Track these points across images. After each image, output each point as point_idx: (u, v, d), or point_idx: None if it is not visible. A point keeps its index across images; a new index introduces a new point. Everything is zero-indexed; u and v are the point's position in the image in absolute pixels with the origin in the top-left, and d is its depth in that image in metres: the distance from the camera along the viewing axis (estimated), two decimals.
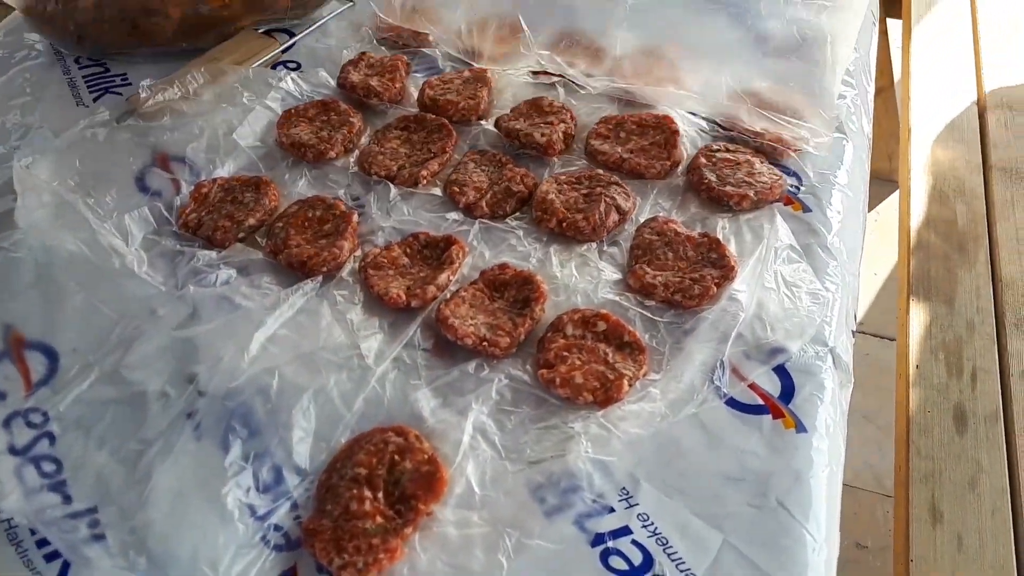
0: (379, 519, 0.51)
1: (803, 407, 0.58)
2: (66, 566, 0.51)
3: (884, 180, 1.98)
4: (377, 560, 0.49)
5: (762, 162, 0.75)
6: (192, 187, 0.73)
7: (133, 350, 0.61)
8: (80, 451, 0.56)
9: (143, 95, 0.79)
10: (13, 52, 0.92)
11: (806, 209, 0.72)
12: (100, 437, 0.57)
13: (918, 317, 0.97)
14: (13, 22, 0.96)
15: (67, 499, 0.54)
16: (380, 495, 0.52)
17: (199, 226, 0.70)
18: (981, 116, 1.23)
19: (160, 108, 0.79)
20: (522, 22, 0.90)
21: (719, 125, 0.80)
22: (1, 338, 0.63)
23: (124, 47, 0.88)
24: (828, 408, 0.59)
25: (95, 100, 0.85)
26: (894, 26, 1.73)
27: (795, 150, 0.76)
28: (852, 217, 0.74)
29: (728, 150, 0.75)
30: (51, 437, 0.57)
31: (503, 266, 0.66)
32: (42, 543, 0.52)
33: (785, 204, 0.73)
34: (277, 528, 0.52)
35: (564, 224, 0.69)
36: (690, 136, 0.78)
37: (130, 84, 0.87)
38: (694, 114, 0.81)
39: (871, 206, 2.06)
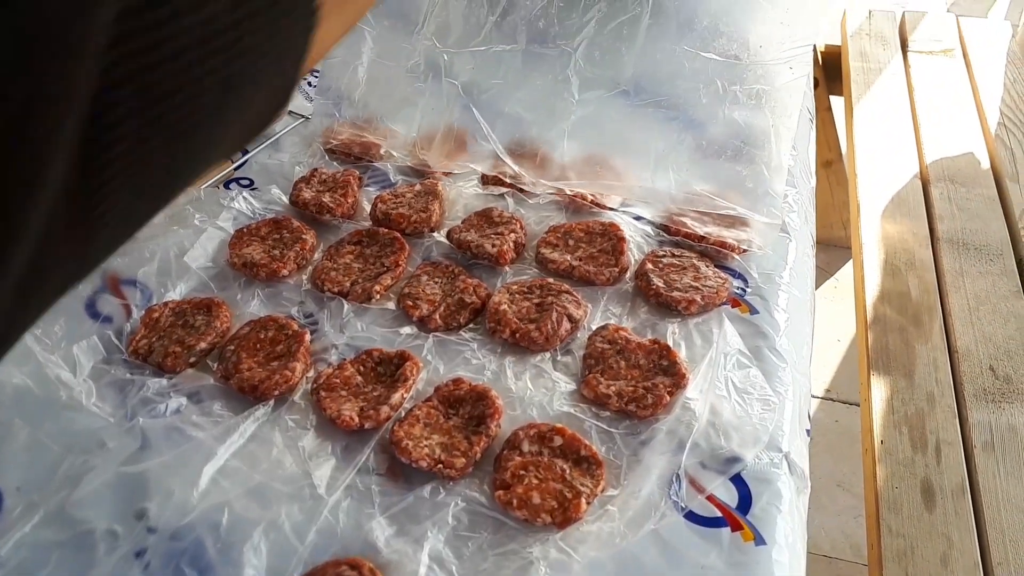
0: None
1: (761, 517, 0.59)
2: None
3: (840, 247, 2.04)
4: None
5: (708, 266, 0.77)
6: (143, 312, 0.73)
7: (80, 487, 0.60)
8: None
9: None
10: None
11: (753, 311, 0.74)
12: None
13: (880, 391, 0.99)
14: None
15: None
16: None
17: (150, 352, 0.69)
18: (925, 189, 1.29)
19: None
20: (472, 133, 0.93)
21: (664, 230, 0.82)
22: None
23: None
24: (786, 517, 0.59)
25: None
26: (837, 102, 1.81)
27: (739, 252, 0.78)
28: (799, 316, 0.76)
29: (674, 255, 0.77)
30: None
31: (457, 381, 0.66)
32: None
33: (732, 306, 0.74)
34: None
35: (517, 335, 0.70)
36: (636, 242, 0.80)
37: None
38: (639, 218, 0.83)
39: (831, 271, 2.11)
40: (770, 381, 0.67)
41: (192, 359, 0.69)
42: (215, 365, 0.69)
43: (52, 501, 0.59)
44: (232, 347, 0.69)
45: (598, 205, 0.84)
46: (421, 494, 0.59)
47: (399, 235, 0.80)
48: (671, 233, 0.81)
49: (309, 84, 1.06)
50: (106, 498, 0.59)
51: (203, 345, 0.69)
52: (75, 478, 0.60)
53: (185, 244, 0.79)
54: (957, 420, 0.95)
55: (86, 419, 0.64)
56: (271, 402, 0.65)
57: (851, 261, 2.00)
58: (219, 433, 0.62)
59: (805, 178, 0.95)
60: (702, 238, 0.79)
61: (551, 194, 0.85)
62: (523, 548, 0.56)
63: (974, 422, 0.94)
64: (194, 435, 0.62)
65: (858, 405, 1.83)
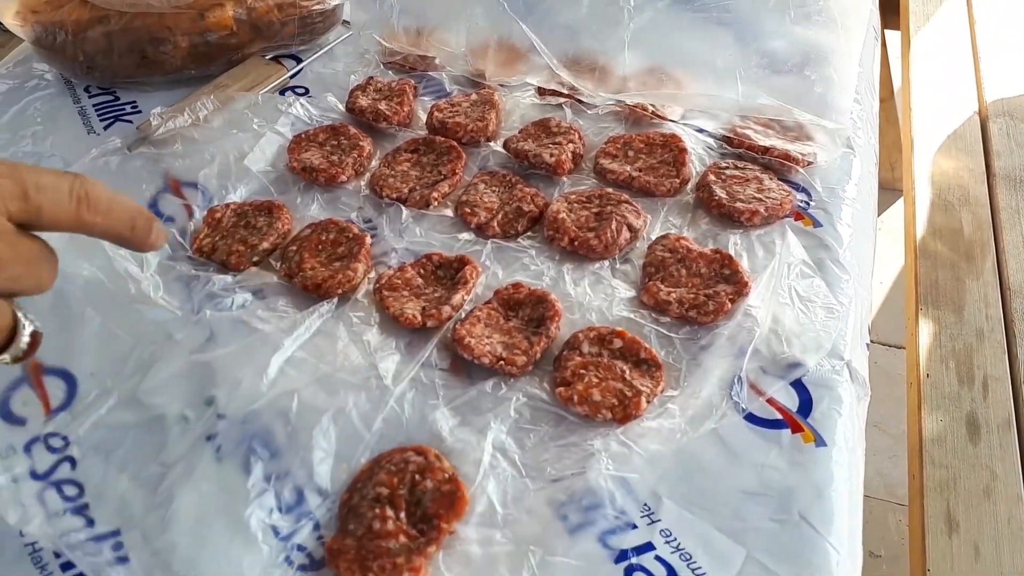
0: (402, 538, 0.51)
1: (822, 421, 0.59)
2: None
3: (887, 189, 2.00)
4: None
5: (771, 178, 0.75)
6: (205, 212, 0.74)
7: (151, 375, 0.61)
8: (101, 475, 0.56)
9: (154, 123, 0.80)
10: (23, 83, 0.93)
11: (816, 224, 0.73)
12: (120, 461, 0.57)
13: (927, 326, 0.98)
14: (22, 53, 0.97)
15: (90, 522, 0.54)
16: (402, 515, 0.52)
17: (213, 251, 0.70)
18: (983, 125, 1.25)
19: (171, 135, 0.80)
20: (532, 41, 0.91)
21: (727, 142, 0.81)
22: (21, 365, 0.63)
23: (134, 76, 0.89)
24: (846, 421, 0.59)
25: (106, 128, 0.86)
26: (893, 38, 1.75)
27: (804, 165, 0.77)
28: (862, 231, 0.75)
29: (736, 167, 0.76)
30: (72, 461, 0.57)
31: (517, 285, 0.66)
32: (66, 566, 0.52)
33: (796, 219, 0.73)
34: (300, 548, 0.52)
35: (576, 243, 0.69)
36: (698, 154, 0.79)
37: (140, 112, 0.87)
38: (701, 131, 0.82)
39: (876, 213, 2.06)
40: (833, 291, 0.66)
41: (255, 258, 0.70)
42: (277, 264, 0.70)
43: (124, 387, 0.61)
44: (295, 247, 0.70)
45: (659, 116, 0.82)
46: (483, 388, 0.60)
47: (456, 144, 0.79)
48: (734, 145, 0.79)
49: None
50: (176, 385, 0.61)
51: (265, 245, 0.70)
52: (145, 366, 0.62)
53: (244, 148, 0.79)
54: (1006, 356, 0.94)
55: (154, 311, 0.66)
56: (334, 300, 0.66)
57: (898, 202, 1.96)
58: (285, 327, 0.63)
59: (870, 96, 0.92)
60: (766, 150, 0.77)
61: (610, 105, 0.84)
62: (584, 440, 0.56)
63: (1023, 359, 0.92)
64: (260, 327, 0.63)
65: (899, 348, 1.81)
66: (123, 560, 0.52)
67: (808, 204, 0.75)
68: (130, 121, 0.86)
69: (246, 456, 0.55)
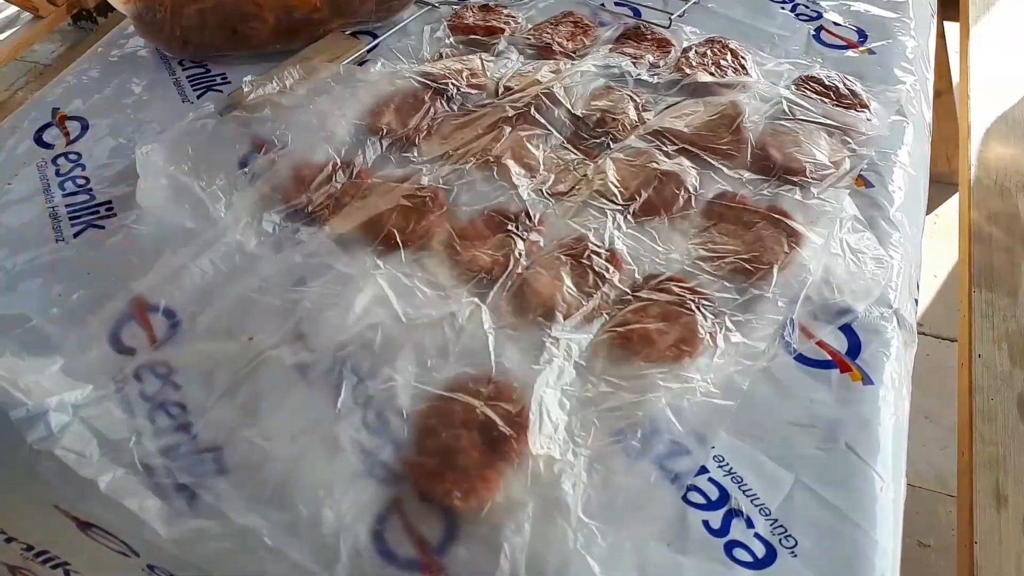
0: (475, 454, 0.56)
1: (869, 362, 0.62)
2: (194, 496, 0.57)
3: (943, 183, 1.98)
4: (475, 488, 0.54)
5: (826, 140, 0.78)
6: (292, 171, 0.80)
7: (247, 311, 0.68)
8: (202, 397, 0.62)
9: (245, 90, 0.87)
10: (123, 56, 1.00)
11: (868, 185, 0.76)
12: (220, 385, 0.63)
13: (980, 307, 0.99)
14: (123, 29, 1.05)
15: (193, 438, 0.60)
16: (475, 434, 0.57)
17: (303, 205, 0.76)
18: None
19: (260, 102, 0.87)
20: (592, 16, 0.96)
21: (784, 110, 0.83)
22: (127, 303, 0.69)
23: (224, 50, 0.96)
24: (894, 363, 0.62)
25: (198, 97, 0.93)
26: (951, 30, 1.74)
27: (860, 131, 0.79)
28: (913, 194, 0.77)
29: (793, 129, 0.79)
30: (175, 385, 0.64)
31: (579, 239, 0.71)
32: (172, 475, 0.58)
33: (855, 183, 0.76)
34: (382, 464, 0.57)
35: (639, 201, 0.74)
36: (754, 119, 0.82)
37: (229, 83, 0.94)
38: (758, 96, 0.85)
39: (929, 208, 2.04)
40: (883, 245, 0.69)
41: (339, 210, 0.75)
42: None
43: (222, 322, 0.67)
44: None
45: (718, 84, 0.86)
46: (548, 328, 0.64)
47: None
48: (790, 113, 0.82)
49: None
50: (270, 322, 0.67)
51: (347, 199, 0.76)
52: (241, 305, 0.68)
53: (327, 112, 0.85)
54: None
55: (248, 257, 0.72)
56: (412, 248, 0.71)
57: (953, 196, 1.94)
58: (367, 269, 0.69)
59: (924, 68, 0.94)
60: (821, 116, 0.80)
61: (671, 74, 0.88)
62: (644, 375, 0.61)
63: None
64: (345, 271, 0.69)
65: (952, 340, 1.80)
66: (223, 472, 0.58)
67: (863, 166, 0.77)
68: (220, 91, 0.93)
69: (337, 379, 0.61)
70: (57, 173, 0.83)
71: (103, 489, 0.57)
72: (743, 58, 0.89)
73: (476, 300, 0.67)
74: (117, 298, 0.69)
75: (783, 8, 1.00)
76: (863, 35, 0.94)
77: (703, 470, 0.56)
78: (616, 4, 1.02)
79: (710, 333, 0.62)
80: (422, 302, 0.66)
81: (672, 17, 0.96)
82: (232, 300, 0.69)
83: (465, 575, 0.52)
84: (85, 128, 0.89)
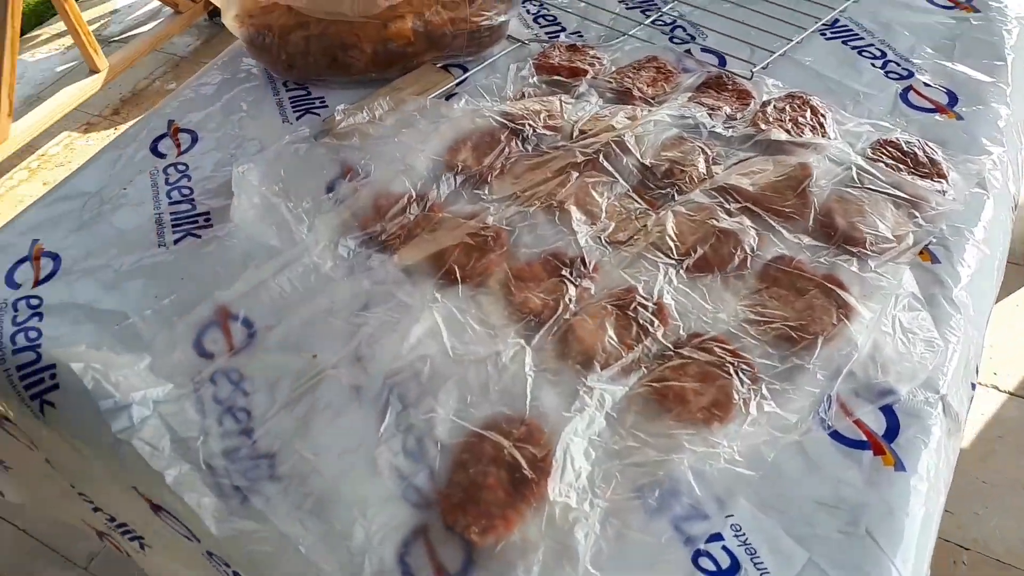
0: (500, 493, 0.59)
1: (906, 447, 0.61)
2: (246, 499, 0.63)
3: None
4: (494, 526, 0.57)
5: (895, 210, 0.77)
6: (371, 200, 0.85)
7: (315, 330, 0.73)
8: (266, 406, 0.68)
9: (337, 118, 0.93)
10: (235, 75, 1.09)
11: (935, 260, 0.75)
12: (282, 396, 0.69)
13: None
14: (236, 50, 1.13)
15: (253, 443, 0.66)
16: (503, 473, 0.61)
17: (377, 233, 0.81)
18: None
19: (350, 130, 0.93)
20: (675, 63, 0.97)
21: (854, 177, 0.83)
22: (213, 310, 0.76)
23: (324, 75, 1.02)
24: (932, 452, 0.61)
25: (297, 119, 1.00)
26: None
27: (931, 204, 0.78)
28: (984, 273, 0.75)
29: (862, 197, 0.78)
30: (244, 392, 0.70)
31: (629, 289, 0.73)
32: (229, 476, 0.64)
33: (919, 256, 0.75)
34: (416, 489, 0.62)
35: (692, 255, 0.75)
36: (823, 181, 0.82)
37: (327, 106, 1.01)
38: (830, 159, 0.85)
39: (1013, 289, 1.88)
40: (939, 327, 0.68)
41: (410, 240, 0.80)
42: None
43: (293, 337, 0.73)
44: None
45: (792, 143, 0.86)
46: (587, 375, 0.67)
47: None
48: (859, 177, 0.82)
49: (528, 12, 1.13)
50: (334, 342, 0.72)
51: (418, 231, 0.81)
52: (311, 323, 0.74)
53: (409, 146, 0.90)
54: None
55: (323, 278, 0.78)
56: (471, 284, 0.75)
57: None
58: (427, 301, 0.73)
59: (1016, 137, 0.90)
60: (894, 184, 0.79)
61: (746, 128, 0.88)
62: (673, 434, 0.62)
63: None
64: (406, 300, 0.73)
65: None
66: (274, 479, 0.64)
67: (930, 241, 0.76)
68: (318, 114, 1.00)
69: (384, 405, 0.66)
70: (166, 182, 0.92)
71: (169, 483, 0.64)
72: (823, 116, 0.89)
73: (522, 342, 0.70)
74: (204, 305, 0.76)
75: (874, 64, 0.98)
76: (954, 99, 0.92)
77: (718, 537, 0.58)
78: (703, 51, 1.03)
79: (744, 399, 0.63)
80: (471, 338, 0.70)
81: (754, 69, 0.96)
82: (303, 318, 0.75)
83: None
84: (195, 141, 0.97)
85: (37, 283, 0.81)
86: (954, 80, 0.94)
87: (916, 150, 0.83)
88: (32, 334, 0.76)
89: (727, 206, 0.79)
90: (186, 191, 0.90)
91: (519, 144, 0.89)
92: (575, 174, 0.84)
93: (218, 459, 0.66)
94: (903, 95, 0.93)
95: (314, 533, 0.60)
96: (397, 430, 0.64)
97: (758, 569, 0.56)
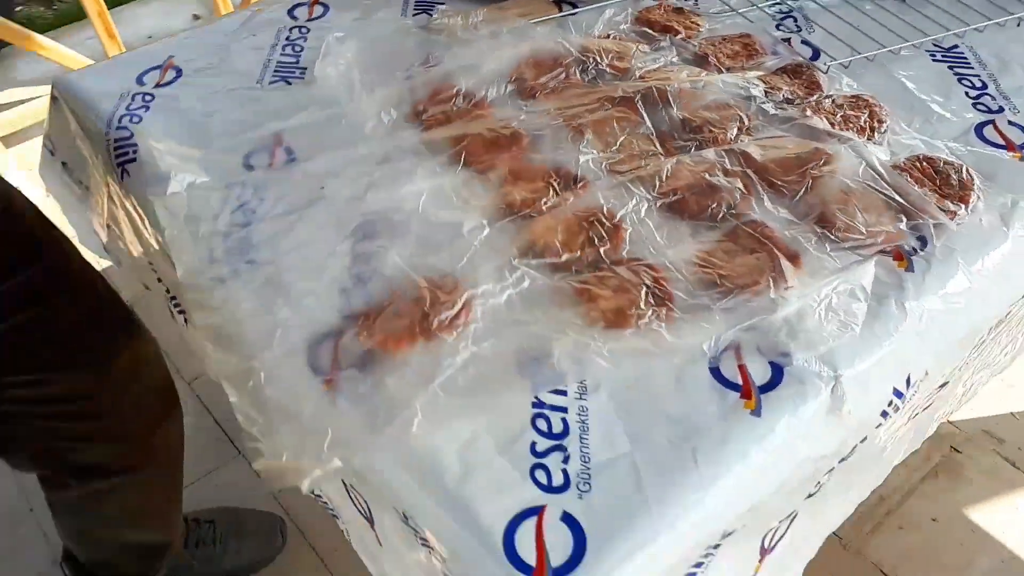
0: (406, 322, 0.68)
1: (774, 402, 0.64)
2: (217, 263, 0.76)
3: None
4: (386, 341, 0.67)
5: (894, 215, 0.77)
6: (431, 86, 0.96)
7: (334, 169, 0.85)
8: (267, 211, 0.81)
9: (435, 17, 1.04)
10: None
11: (909, 268, 0.74)
12: (283, 208, 0.81)
13: None
14: None
15: (246, 233, 0.79)
16: (416, 310, 0.69)
17: (421, 111, 0.92)
18: None
19: (443, 28, 1.04)
20: (765, 45, 1.00)
21: (872, 170, 0.82)
22: (270, 135, 0.90)
23: None
24: (798, 418, 0.63)
25: (414, 15, 1.12)
26: None
27: (934, 220, 0.77)
28: (960, 301, 0.73)
29: (865, 195, 0.78)
30: (261, 199, 0.83)
31: (596, 208, 0.79)
32: (221, 251, 0.78)
33: (894, 258, 0.75)
34: (349, 302, 0.72)
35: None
36: (845, 175, 0.82)
37: (444, 5, 1.12)
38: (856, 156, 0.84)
39: None
40: (872, 320, 0.69)
41: (444, 124, 0.90)
42: None
43: (315, 169, 0.86)
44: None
45: (827, 132, 0.86)
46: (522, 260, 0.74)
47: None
48: (869, 174, 0.81)
49: None
50: (346, 182, 0.84)
51: (455, 119, 0.90)
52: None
53: (490, 55, 1.00)
54: None
55: (376, 142, 0.89)
56: (473, 168, 0.84)
57: None
58: (428, 170, 0.83)
59: None
60: (911, 193, 0.78)
61: (793, 110, 0.90)
62: (571, 322, 0.68)
63: None
64: (411, 167, 0.84)
65: None
66: (248, 261, 0.76)
67: (915, 251, 0.75)
68: (431, 14, 1.11)
69: (351, 233, 0.77)
70: (287, 38, 1.07)
71: (166, 238, 0.79)
72: (879, 121, 0.88)
73: (484, 221, 0.78)
74: (263, 128, 0.91)
75: (968, 93, 0.95)
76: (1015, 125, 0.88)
77: (564, 409, 0.63)
78: (802, 42, 1.03)
79: (639, 314, 0.68)
80: (445, 207, 0.79)
81: (832, 63, 0.96)
82: (330, 159, 0.87)
83: (350, 394, 0.65)
84: (325, 12, 1.12)
85: (157, 85, 0.99)
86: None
87: (952, 172, 0.81)
88: (135, 119, 0.94)
89: (728, 167, 0.82)
90: (298, 48, 1.05)
91: (578, 73, 0.96)
92: (608, 106, 0.90)
93: (216, 237, 0.79)
94: (979, 128, 0.90)
95: (253, 304, 0.72)
96: (352, 253, 0.75)
97: (581, 443, 0.61)
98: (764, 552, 0.75)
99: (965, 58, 1.00)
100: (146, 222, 0.88)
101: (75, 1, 2.29)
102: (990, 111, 0.92)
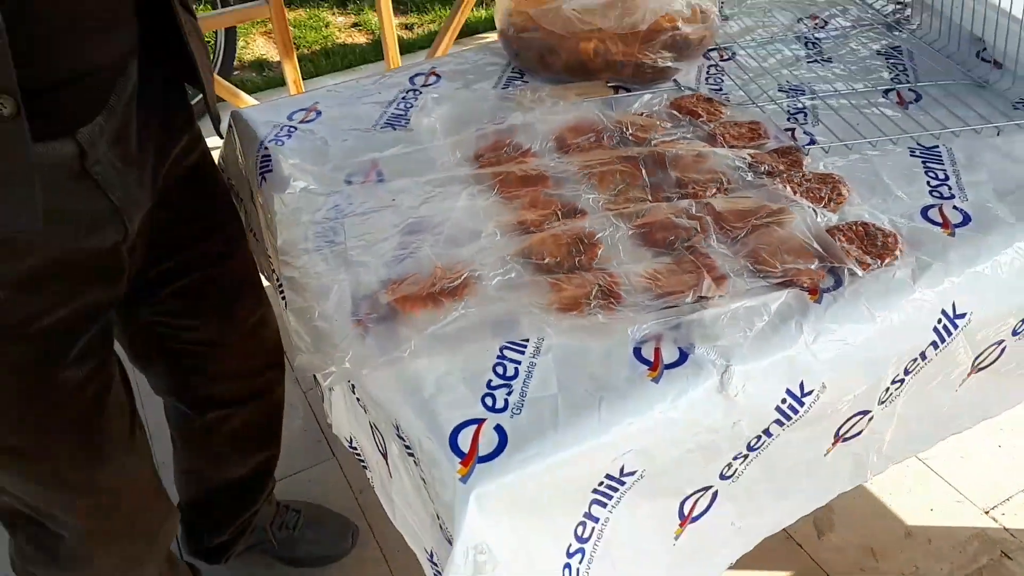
0: (423, 292, 0.96)
1: (672, 376, 0.85)
2: (307, 238, 1.07)
3: None
4: (404, 302, 0.94)
5: (818, 258, 0.96)
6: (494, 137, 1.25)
7: (406, 187, 1.15)
8: (351, 209, 1.12)
9: (511, 89, 1.34)
10: (493, 51, 1.54)
11: (818, 301, 0.93)
12: (362, 208, 1.12)
13: None
14: (490, 40, 1.60)
15: (333, 225, 1.10)
16: (435, 286, 0.97)
17: (480, 155, 1.21)
18: None
19: (515, 98, 1.34)
20: (769, 130, 1.22)
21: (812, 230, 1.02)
22: (369, 161, 1.22)
23: (534, 68, 1.44)
24: (690, 389, 0.84)
25: (502, 88, 1.43)
26: None
27: (848, 267, 0.96)
28: (873, 341, 0.92)
29: (791, 242, 0.99)
30: (349, 203, 1.14)
31: (581, 230, 1.03)
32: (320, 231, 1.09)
33: (809, 292, 0.94)
34: (387, 272, 1.00)
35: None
36: (787, 228, 1.02)
37: (526, 83, 1.43)
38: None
39: None
40: (770, 332, 0.89)
41: (492, 164, 1.19)
42: None
43: (394, 186, 1.16)
44: None
45: (789, 199, 1.07)
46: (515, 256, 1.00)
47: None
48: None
49: (705, 69, 1.43)
50: (410, 195, 1.14)
51: (503, 162, 1.19)
52: (409, 184, 1.16)
53: (537, 117, 1.28)
54: None
55: (433, 164, 1.20)
56: (501, 195, 1.12)
57: None
58: (467, 193, 1.11)
59: (995, 289, 1.00)
60: (818, 236, 0.98)
61: (766, 178, 1.11)
62: (537, 298, 0.93)
63: None
64: (458, 189, 1.12)
65: None
66: (330, 242, 1.07)
67: (830, 289, 0.94)
68: (519, 88, 1.42)
69: (402, 230, 1.06)
70: (402, 98, 1.40)
71: (276, 220, 1.11)
72: (840, 195, 1.08)
73: (499, 232, 1.05)
74: (366, 157, 1.23)
75: (929, 183, 1.12)
76: (965, 221, 1.04)
77: (518, 362, 0.88)
78: (804, 133, 1.25)
79: (586, 303, 0.92)
80: (474, 218, 1.07)
81: (806, 147, 1.17)
82: (407, 180, 1.17)
83: (372, 332, 0.93)
84: (438, 80, 1.45)
85: (300, 121, 1.35)
86: (981, 211, 1.06)
87: (880, 235, 1.00)
88: (279, 143, 1.29)
89: (693, 212, 1.05)
90: (409, 104, 1.38)
91: (606, 138, 1.23)
92: (618, 163, 1.16)
93: (312, 226, 1.10)
94: (925, 209, 1.07)
95: (322, 268, 1.02)
96: (399, 242, 1.04)
97: (523, 385, 0.85)
98: (685, 518, 0.95)
99: (939, 156, 1.18)
100: (270, 215, 1.22)
101: (280, 71, 2.83)
102: (942, 197, 1.10)
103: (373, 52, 3.53)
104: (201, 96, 1.06)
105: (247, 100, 2.67)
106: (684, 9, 1.31)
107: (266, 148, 1.27)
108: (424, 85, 1.45)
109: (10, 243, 0.85)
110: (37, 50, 0.80)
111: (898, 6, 1.62)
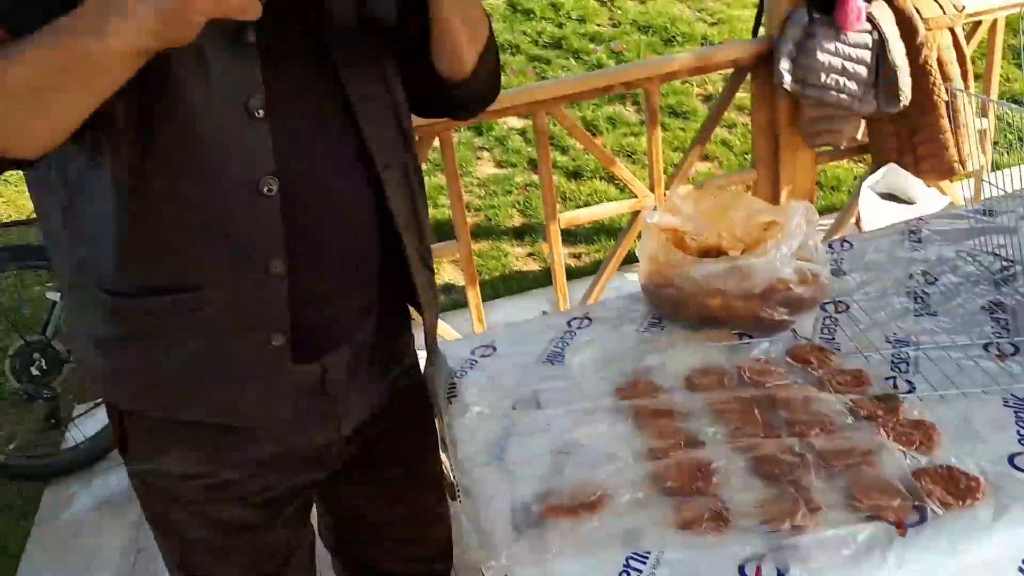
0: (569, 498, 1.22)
1: None
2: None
3: None
4: (565, 510, 1.20)
5: (901, 496, 1.13)
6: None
7: (575, 425, 1.45)
8: (511, 414, 1.42)
9: (654, 336, 1.65)
10: (627, 306, 1.87)
11: (903, 536, 1.09)
12: (525, 417, 1.42)
13: None
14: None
15: (501, 420, 1.40)
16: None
17: (627, 394, 1.49)
18: None
19: (652, 340, 1.63)
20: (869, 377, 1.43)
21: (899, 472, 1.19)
22: (531, 393, 1.54)
23: (670, 316, 1.75)
24: None
25: (645, 330, 1.73)
26: None
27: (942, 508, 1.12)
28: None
29: (879, 481, 1.16)
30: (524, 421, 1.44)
31: (702, 459, 1.27)
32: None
33: (896, 526, 1.11)
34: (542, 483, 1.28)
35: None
36: (877, 469, 1.20)
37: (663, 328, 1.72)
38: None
39: None
40: (856, 558, 1.06)
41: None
42: None
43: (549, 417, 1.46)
44: None
45: (883, 444, 1.25)
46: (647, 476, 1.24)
47: None
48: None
49: (822, 320, 1.67)
50: (563, 419, 1.42)
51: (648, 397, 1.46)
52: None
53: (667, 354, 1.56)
54: None
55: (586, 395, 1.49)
56: (640, 420, 1.38)
57: None
58: (610, 421, 1.39)
59: None
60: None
61: (867, 422, 1.31)
62: (648, 523, 1.16)
63: None
64: (606, 419, 1.40)
65: None
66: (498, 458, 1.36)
67: (915, 523, 1.10)
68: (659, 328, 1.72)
69: (558, 439, 1.34)
70: (560, 338, 1.73)
71: (454, 436, 1.42)
72: (931, 440, 1.26)
73: (632, 458, 1.30)
74: (527, 388, 1.55)
75: (1020, 431, 1.27)
76: None
77: (640, 571, 1.10)
78: (905, 381, 1.44)
79: (699, 523, 1.13)
80: (614, 444, 1.33)
81: (903, 394, 1.36)
82: (558, 409, 1.46)
83: (529, 546, 1.18)
84: (590, 323, 1.78)
85: (480, 356, 1.71)
86: None
87: (963, 478, 1.16)
88: (463, 374, 1.64)
89: (798, 450, 1.25)
90: (566, 343, 1.71)
91: (727, 380, 1.48)
92: (739, 407, 1.39)
93: (483, 441, 1.41)
94: (1012, 456, 1.22)
95: (490, 479, 1.31)
96: (552, 461, 1.31)
97: None
98: None
99: None
100: (452, 433, 1.54)
101: (463, 295, 3.36)
102: None
103: (545, 277, 4.02)
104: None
105: (451, 333, 3.15)
106: (793, 275, 1.58)
107: (454, 380, 1.62)
108: (579, 328, 1.78)
109: (262, 432, 1.22)
110: (304, 305, 1.17)
111: (1006, 263, 1.80)
